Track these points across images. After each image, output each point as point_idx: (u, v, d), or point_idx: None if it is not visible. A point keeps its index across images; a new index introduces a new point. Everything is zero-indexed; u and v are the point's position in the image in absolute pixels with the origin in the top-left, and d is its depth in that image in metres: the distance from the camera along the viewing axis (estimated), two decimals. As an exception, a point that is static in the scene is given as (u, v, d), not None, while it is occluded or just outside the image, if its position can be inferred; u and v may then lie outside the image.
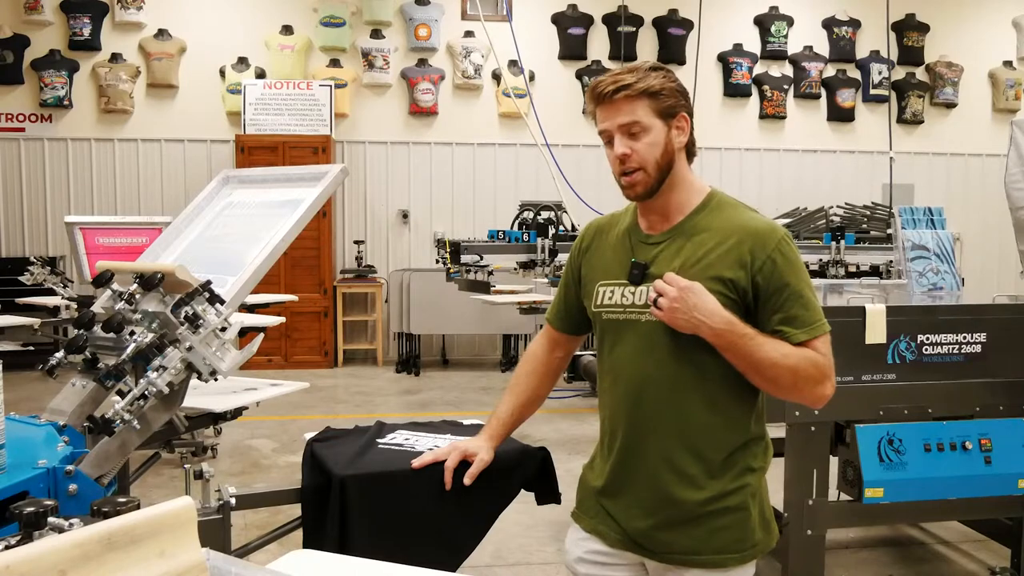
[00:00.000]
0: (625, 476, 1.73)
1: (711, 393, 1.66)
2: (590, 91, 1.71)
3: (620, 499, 1.74)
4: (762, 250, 1.63)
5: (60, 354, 1.78)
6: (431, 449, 2.23)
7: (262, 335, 2.44)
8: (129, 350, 1.64)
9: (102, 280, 1.79)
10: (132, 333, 1.68)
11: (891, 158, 7.23)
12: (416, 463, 1.86)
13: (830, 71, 9.84)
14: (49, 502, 0.98)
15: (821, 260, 5.82)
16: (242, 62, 8.75)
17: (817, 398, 1.64)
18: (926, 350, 2.83)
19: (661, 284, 1.61)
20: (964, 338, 2.86)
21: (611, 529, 1.74)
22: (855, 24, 9.82)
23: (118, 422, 1.58)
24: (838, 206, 7.74)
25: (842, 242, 5.72)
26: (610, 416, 1.77)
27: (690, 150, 1.73)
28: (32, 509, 0.96)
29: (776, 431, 3.10)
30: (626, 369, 1.73)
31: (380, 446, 2.26)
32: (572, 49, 9.32)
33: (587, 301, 1.82)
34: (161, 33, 8.66)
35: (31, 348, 5.77)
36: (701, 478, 1.66)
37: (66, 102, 8.56)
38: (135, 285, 1.74)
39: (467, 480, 1.81)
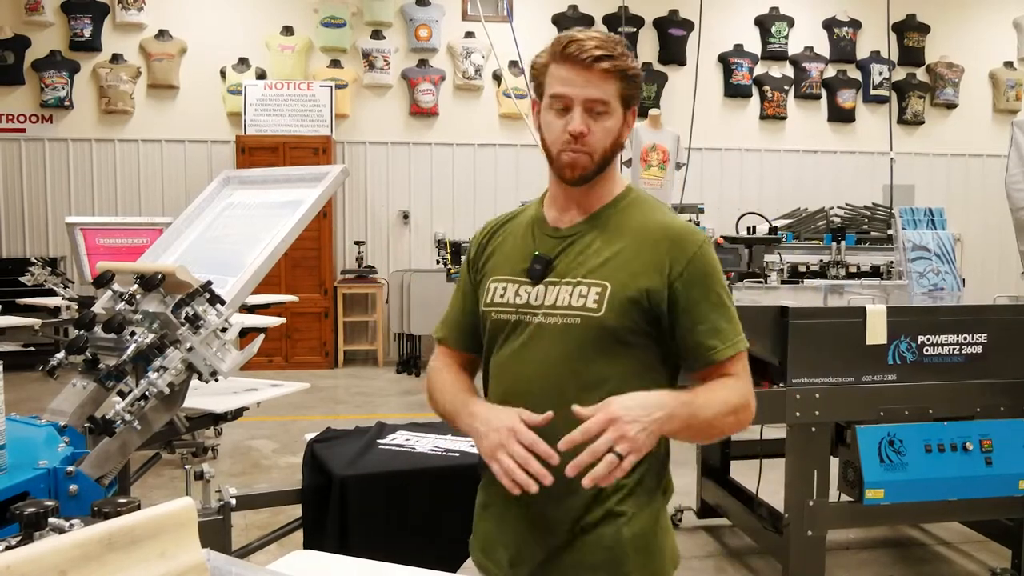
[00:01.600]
0: (499, 490, 1.45)
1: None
2: (559, 45, 1.46)
3: (494, 520, 1.56)
4: (682, 254, 1.47)
5: (61, 355, 1.78)
6: (432, 450, 2.24)
7: (263, 336, 2.44)
8: (130, 351, 1.64)
9: (103, 281, 1.79)
10: (133, 334, 1.68)
11: (892, 159, 7.23)
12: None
13: (831, 72, 9.84)
14: (50, 503, 0.98)
15: (822, 261, 5.83)
16: (243, 63, 8.75)
17: (745, 425, 1.51)
18: (927, 351, 2.83)
19: (588, 429, 1.29)
20: (965, 339, 2.86)
21: (495, 565, 1.56)
22: (856, 25, 9.82)
23: (119, 423, 1.58)
24: (839, 207, 7.74)
25: (843, 243, 5.72)
26: None
27: (620, 143, 1.56)
28: (33, 510, 0.96)
29: (776, 432, 3.11)
30: (508, 374, 1.53)
31: (380, 447, 2.27)
32: (573, 50, 9.32)
33: (480, 302, 1.60)
34: (162, 34, 8.67)
35: (32, 349, 5.78)
36: (579, 501, 1.46)
37: (67, 103, 8.56)
38: (136, 286, 1.74)
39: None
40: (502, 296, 1.54)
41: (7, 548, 0.90)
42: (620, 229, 1.51)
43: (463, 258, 1.72)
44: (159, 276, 1.71)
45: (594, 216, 1.54)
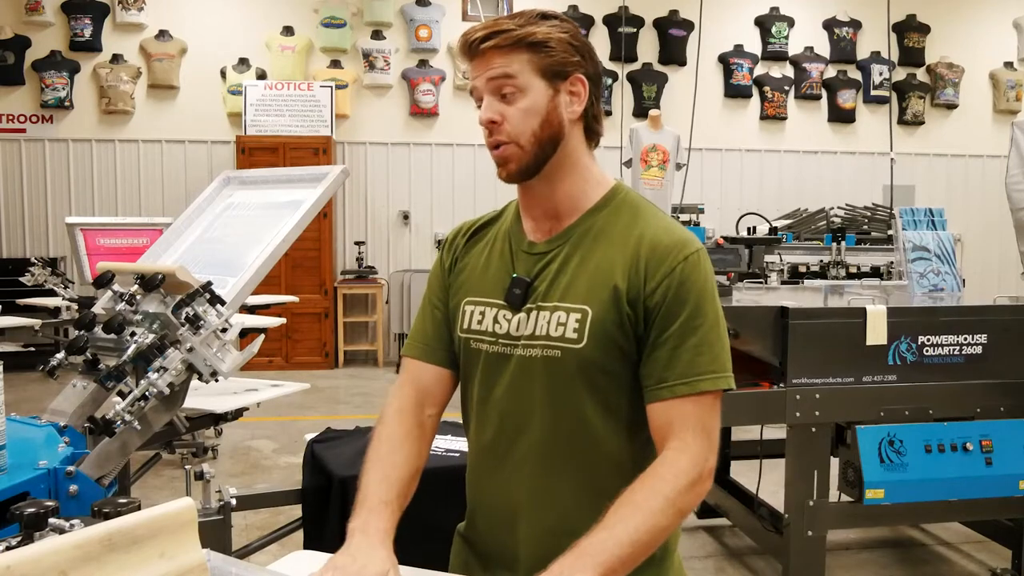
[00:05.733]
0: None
1: (595, 460, 1.27)
2: (460, 41, 1.29)
3: None
4: (660, 267, 1.24)
5: (61, 355, 1.78)
6: (432, 450, 2.24)
7: (263, 336, 2.44)
8: (130, 351, 1.64)
9: (103, 281, 1.79)
10: (133, 334, 1.68)
11: (892, 159, 7.24)
12: None
13: (831, 72, 9.83)
14: (50, 503, 0.98)
15: (822, 261, 5.84)
16: (243, 63, 8.75)
17: (700, 499, 1.22)
18: (927, 351, 2.83)
19: None
20: (965, 339, 2.86)
21: None
22: (856, 25, 9.82)
23: (119, 423, 1.58)
24: (839, 207, 7.76)
25: (843, 243, 5.73)
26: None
27: (592, 128, 1.32)
28: (33, 510, 0.96)
29: (777, 432, 3.11)
30: (494, 416, 1.33)
31: (381, 447, 2.26)
32: (573, 50, 9.32)
33: (453, 323, 1.39)
34: (162, 34, 8.67)
35: (32, 349, 5.78)
36: None
37: (67, 103, 8.56)
38: (136, 286, 1.74)
39: None
40: (480, 323, 1.34)
41: (7, 548, 0.90)
42: (601, 241, 1.29)
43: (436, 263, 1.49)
44: (159, 276, 1.71)
45: (573, 227, 1.32)
